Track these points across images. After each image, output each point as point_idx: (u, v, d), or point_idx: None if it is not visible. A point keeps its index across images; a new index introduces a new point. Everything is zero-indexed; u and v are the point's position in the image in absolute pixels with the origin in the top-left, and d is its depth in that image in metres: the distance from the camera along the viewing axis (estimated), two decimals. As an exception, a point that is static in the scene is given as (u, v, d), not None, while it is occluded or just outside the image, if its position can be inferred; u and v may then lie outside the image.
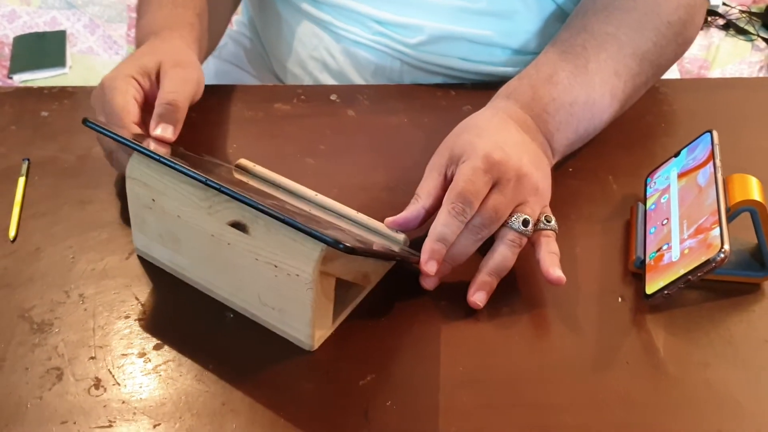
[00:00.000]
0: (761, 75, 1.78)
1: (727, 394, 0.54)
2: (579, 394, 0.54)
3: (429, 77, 0.84)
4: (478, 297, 0.59)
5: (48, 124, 0.76)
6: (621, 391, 0.54)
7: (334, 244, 0.47)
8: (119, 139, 0.56)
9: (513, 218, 0.59)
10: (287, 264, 0.52)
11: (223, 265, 0.56)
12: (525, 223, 0.59)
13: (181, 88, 0.65)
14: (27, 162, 0.71)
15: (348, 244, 0.47)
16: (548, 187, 0.64)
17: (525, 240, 0.60)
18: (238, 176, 0.64)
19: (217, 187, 0.52)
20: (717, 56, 1.86)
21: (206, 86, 0.84)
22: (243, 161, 0.66)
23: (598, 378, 0.55)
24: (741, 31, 1.94)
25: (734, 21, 1.95)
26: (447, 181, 0.61)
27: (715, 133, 0.64)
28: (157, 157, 0.54)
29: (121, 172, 0.64)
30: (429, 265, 0.57)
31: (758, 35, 1.92)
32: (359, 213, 0.62)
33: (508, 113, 0.66)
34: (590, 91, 0.69)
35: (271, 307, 0.55)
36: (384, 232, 0.60)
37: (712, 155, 0.62)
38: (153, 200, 0.57)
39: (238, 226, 0.53)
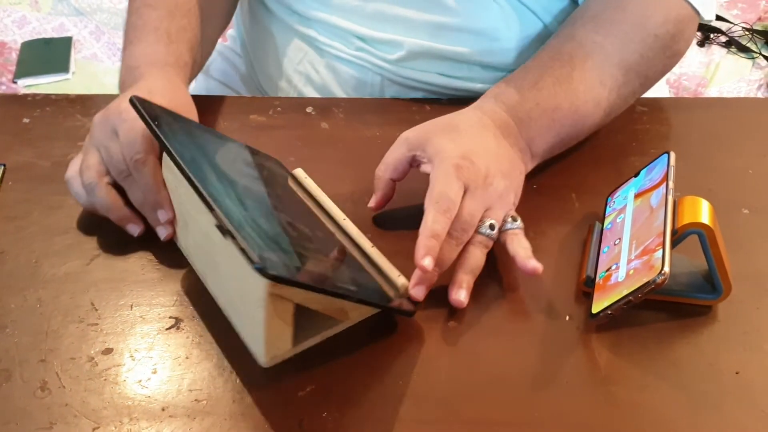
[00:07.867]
0: (760, 93, 1.76)
1: (664, 416, 0.54)
2: (515, 412, 0.54)
3: (409, 92, 0.85)
4: (460, 294, 0.61)
5: (28, 131, 0.78)
6: (556, 409, 0.54)
7: (260, 268, 0.47)
8: (154, 128, 0.58)
9: (481, 224, 0.63)
10: (247, 278, 0.52)
11: (213, 262, 0.59)
12: (491, 227, 0.63)
13: None
14: (2, 167, 0.72)
15: (275, 273, 0.47)
16: (514, 193, 0.67)
17: (492, 242, 0.64)
18: (291, 184, 0.69)
19: (203, 196, 0.53)
20: (716, 74, 1.85)
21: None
22: (298, 171, 0.70)
23: (535, 396, 0.55)
24: (743, 49, 1.93)
25: (737, 39, 1.94)
26: (411, 164, 0.67)
27: (672, 155, 0.64)
28: (175, 157, 0.56)
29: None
30: (426, 261, 0.57)
31: (760, 53, 1.90)
32: (373, 247, 0.63)
33: (491, 117, 0.70)
34: (573, 98, 0.71)
35: (241, 315, 0.57)
36: (386, 273, 0.61)
37: (666, 177, 0.62)
38: (176, 187, 0.61)
39: (221, 229, 0.53)
